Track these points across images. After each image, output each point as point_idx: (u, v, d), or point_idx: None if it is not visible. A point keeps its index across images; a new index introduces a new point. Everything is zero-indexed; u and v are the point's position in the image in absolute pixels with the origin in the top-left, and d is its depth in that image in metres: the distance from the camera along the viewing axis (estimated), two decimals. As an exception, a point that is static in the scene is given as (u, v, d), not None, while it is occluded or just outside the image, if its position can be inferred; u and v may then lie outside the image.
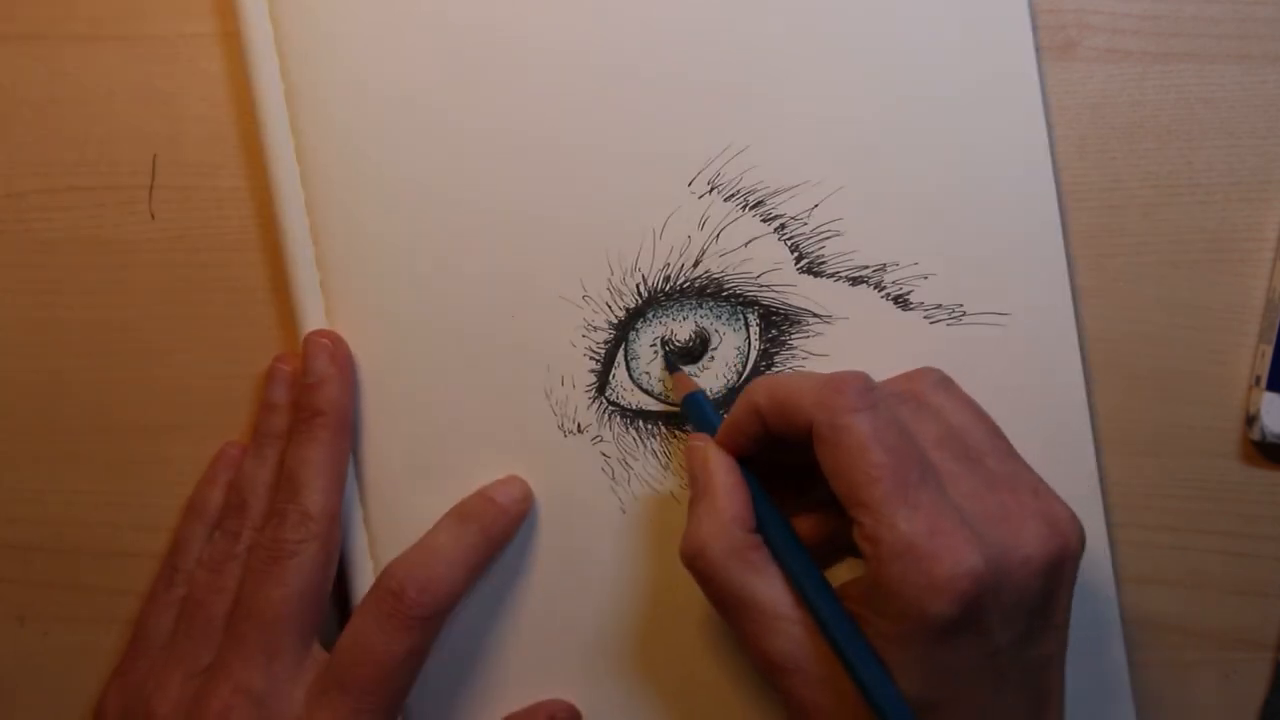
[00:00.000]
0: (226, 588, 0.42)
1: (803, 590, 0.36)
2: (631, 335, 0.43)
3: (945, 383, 0.38)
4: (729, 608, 0.36)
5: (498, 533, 0.42)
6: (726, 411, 0.43)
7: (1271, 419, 0.42)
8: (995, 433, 0.37)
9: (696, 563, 0.37)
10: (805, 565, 0.36)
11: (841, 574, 0.40)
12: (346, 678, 0.40)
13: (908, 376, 0.39)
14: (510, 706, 0.43)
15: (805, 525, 0.39)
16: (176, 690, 0.41)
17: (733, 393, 0.43)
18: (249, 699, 0.40)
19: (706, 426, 0.40)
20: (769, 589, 0.36)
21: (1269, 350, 0.42)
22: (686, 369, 0.43)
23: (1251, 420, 0.42)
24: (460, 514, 0.42)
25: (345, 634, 0.40)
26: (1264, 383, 0.42)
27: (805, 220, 0.42)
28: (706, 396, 0.41)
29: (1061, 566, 0.35)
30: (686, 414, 0.41)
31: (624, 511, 0.43)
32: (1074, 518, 0.36)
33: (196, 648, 0.41)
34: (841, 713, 0.34)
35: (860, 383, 0.35)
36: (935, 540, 0.33)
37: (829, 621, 0.35)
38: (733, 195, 0.43)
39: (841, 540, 0.39)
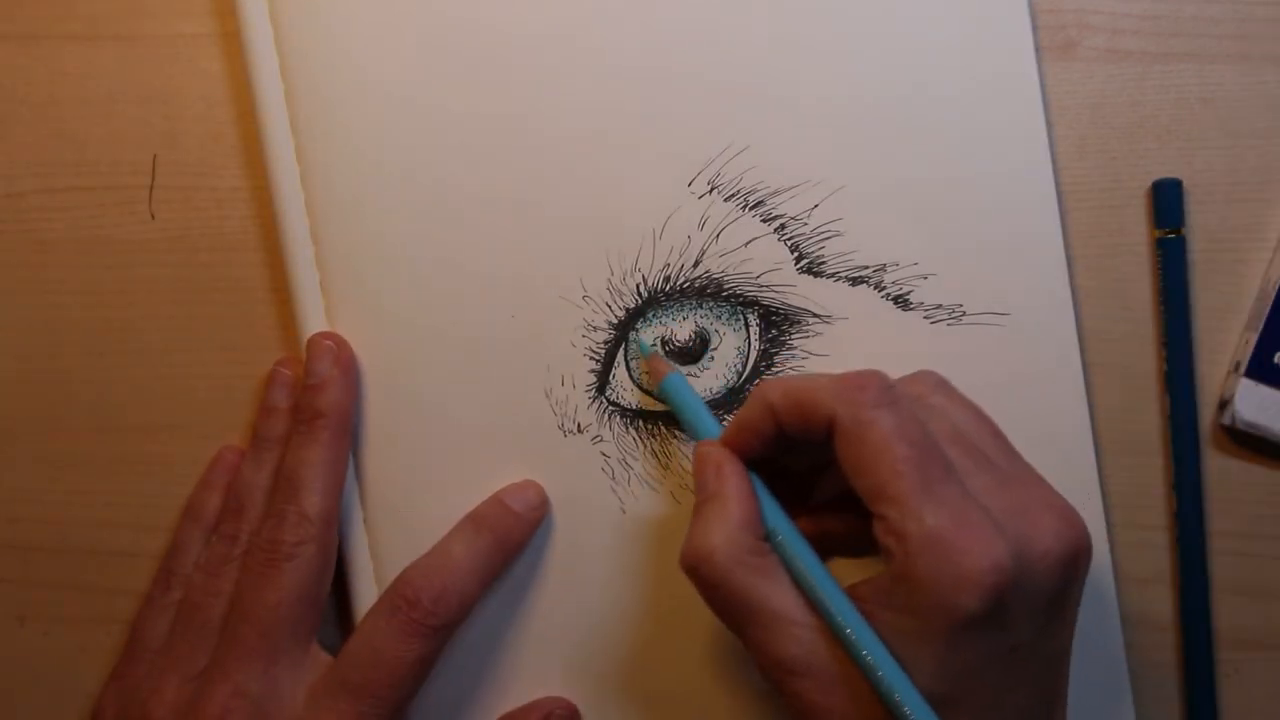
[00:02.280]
0: (223, 591, 0.42)
1: (815, 593, 0.35)
2: (631, 335, 0.43)
3: (944, 385, 0.38)
4: (736, 614, 0.36)
5: (513, 542, 0.42)
6: (727, 413, 0.43)
7: (1245, 405, 0.42)
8: (997, 433, 0.38)
9: (702, 568, 0.36)
10: (818, 568, 0.36)
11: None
12: (355, 681, 0.40)
13: (908, 379, 0.38)
14: (509, 705, 0.43)
15: (808, 528, 0.39)
16: (173, 693, 0.41)
17: (732, 393, 0.43)
18: (247, 701, 0.40)
19: (689, 411, 0.40)
20: (781, 594, 0.36)
21: (1253, 338, 0.42)
22: (687, 369, 0.43)
23: (1224, 405, 0.42)
24: (476, 521, 0.42)
25: (355, 637, 0.40)
26: (1243, 368, 0.42)
27: (805, 220, 0.42)
28: (687, 381, 0.41)
29: (1077, 560, 0.35)
30: (666, 399, 0.41)
31: (624, 511, 0.43)
32: (1079, 515, 0.36)
33: (193, 651, 0.41)
34: (855, 715, 0.34)
35: (879, 379, 0.35)
36: (962, 533, 0.33)
37: (846, 622, 0.34)
38: (733, 195, 0.43)
39: (843, 543, 0.39)
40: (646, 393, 0.43)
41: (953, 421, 0.37)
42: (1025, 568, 0.33)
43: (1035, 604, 0.34)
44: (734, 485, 0.37)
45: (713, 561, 0.36)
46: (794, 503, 0.39)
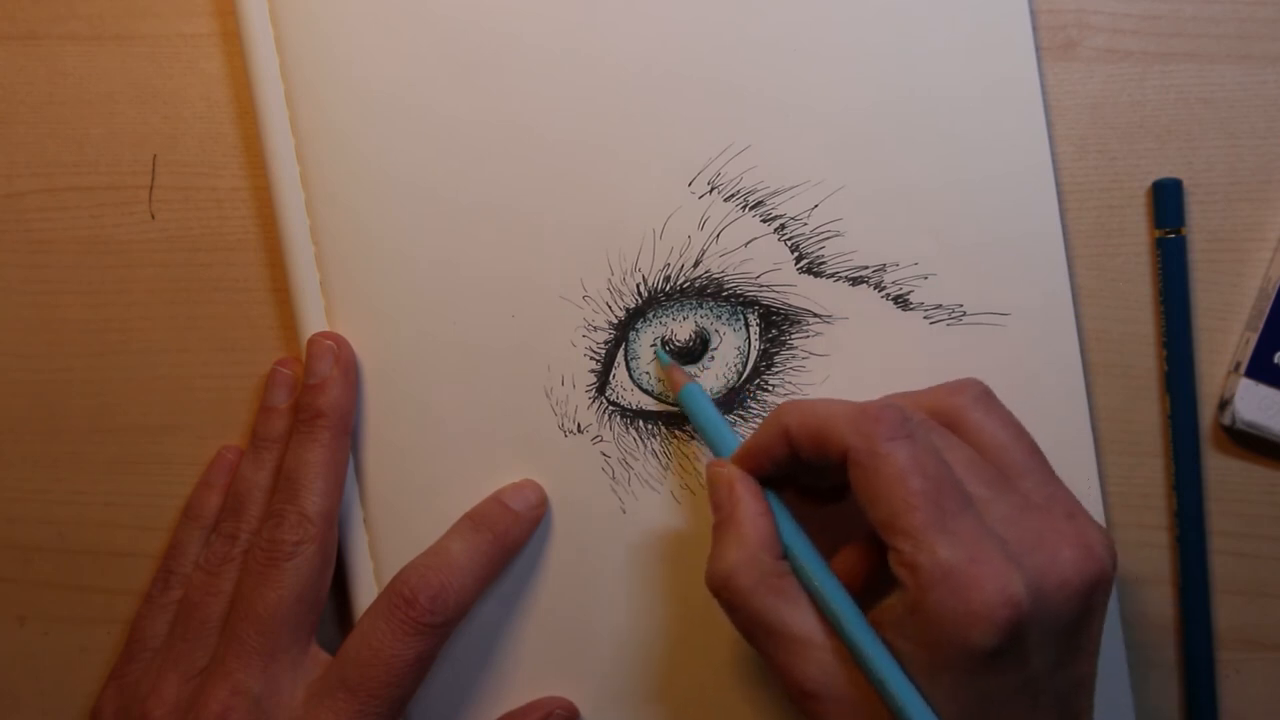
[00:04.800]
0: (223, 590, 0.42)
1: (834, 617, 0.35)
2: (632, 335, 0.43)
3: (986, 397, 0.38)
4: (758, 636, 0.36)
5: (512, 541, 0.42)
6: (727, 413, 0.43)
7: (1244, 404, 0.42)
8: (1033, 452, 0.37)
9: (723, 592, 0.36)
10: (836, 591, 0.36)
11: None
12: (353, 679, 0.40)
13: (949, 389, 0.38)
14: (508, 704, 0.43)
15: (841, 547, 0.39)
16: (173, 692, 0.41)
17: (733, 393, 0.43)
18: (247, 700, 0.40)
19: (708, 423, 0.40)
20: (799, 616, 0.35)
21: (1253, 337, 0.42)
22: (687, 369, 0.43)
23: (1224, 405, 0.42)
24: (474, 520, 0.42)
25: (354, 636, 0.40)
26: (1243, 368, 0.42)
27: (805, 220, 0.42)
28: (704, 390, 0.41)
29: (1096, 591, 0.35)
30: (683, 410, 0.41)
31: (624, 511, 0.43)
32: (1109, 541, 0.35)
33: (193, 650, 0.41)
34: None
35: (897, 412, 0.35)
36: (975, 568, 0.33)
37: (864, 648, 0.34)
38: (733, 195, 0.43)
39: (870, 569, 0.38)
40: (646, 393, 0.43)
41: (986, 441, 0.36)
42: (1042, 600, 0.33)
43: (1053, 635, 0.34)
44: (747, 505, 0.37)
45: (732, 584, 0.36)
46: (814, 520, 0.38)
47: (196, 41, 0.45)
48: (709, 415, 0.40)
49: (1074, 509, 0.36)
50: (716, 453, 0.40)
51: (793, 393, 0.43)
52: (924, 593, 0.33)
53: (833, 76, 0.42)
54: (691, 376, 0.42)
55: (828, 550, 0.37)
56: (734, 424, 0.43)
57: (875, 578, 0.37)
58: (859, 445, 0.35)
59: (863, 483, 0.35)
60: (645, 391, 0.43)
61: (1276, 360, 0.42)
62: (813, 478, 0.39)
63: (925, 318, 0.42)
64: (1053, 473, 0.37)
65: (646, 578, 0.43)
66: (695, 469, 0.43)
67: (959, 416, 0.37)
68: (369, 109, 0.43)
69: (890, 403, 0.36)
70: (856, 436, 0.35)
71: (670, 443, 0.43)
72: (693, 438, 0.43)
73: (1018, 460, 0.36)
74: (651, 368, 0.43)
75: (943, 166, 0.42)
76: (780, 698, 0.43)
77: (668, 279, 0.43)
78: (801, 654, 0.35)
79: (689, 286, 0.43)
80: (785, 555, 0.37)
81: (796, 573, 0.36)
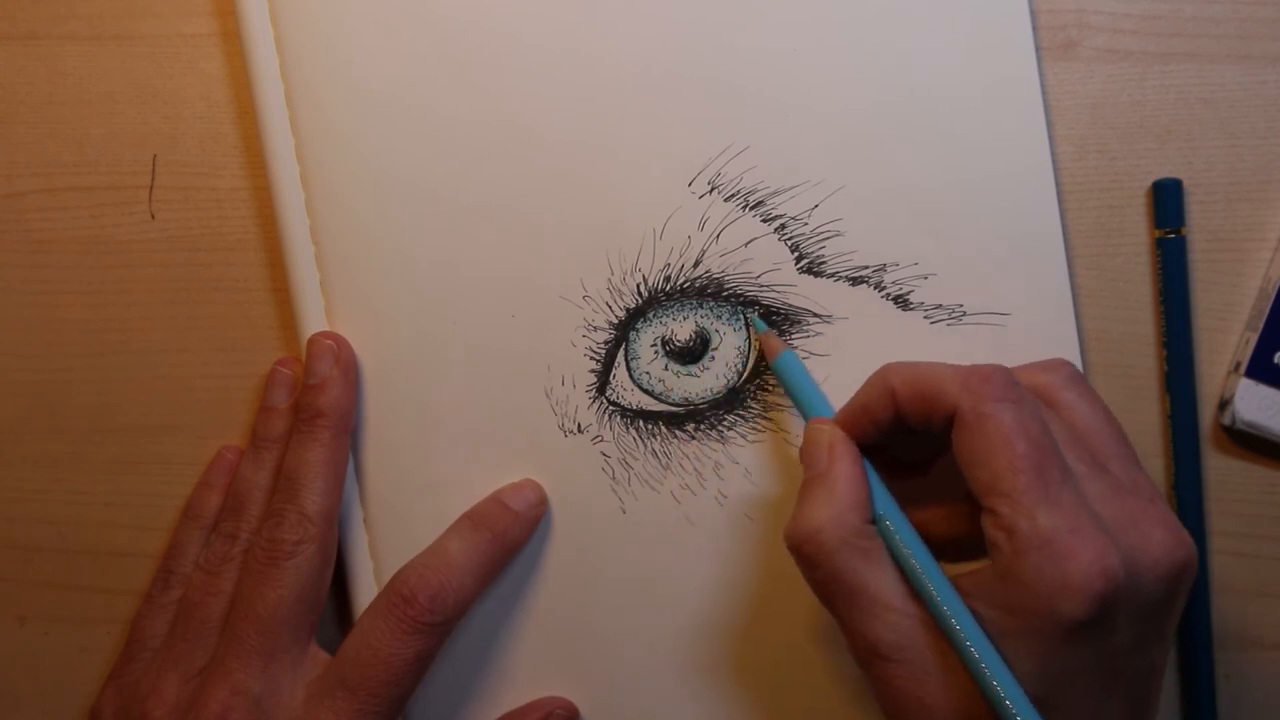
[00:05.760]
0: (223, 590, 0.42)
1: (921, 582, 0.35)
2: (632, 335, 0.43)
3: (1078, 379, 0.38)
4: (835, 594, 0.36)
5: (511, 540, 0.42)
6: (727, 412, 0.43)
7: (1244, 404, 0.42)
8: (1121, 438, 0.37)
9: (806, 546, 0.36)
10: (925, 558, 0.35)
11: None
12: (353, 678, 0.40)
13: (1042, 367, 0.38)
14: (508, 705, 0.43)
15: (920, 521, 0.39)
16: (173, 692, 0.41)
17: (733, 393, 0.43)
18: (247, 700, 0.40)
19: (801, 389, 0.40)
20: (882, 579, 0.35)
21: (1253, 337, 0.42)
22: (686, 368, 0.43)
23: (1224, 405, 0.42)
24: (474, 519, 0.42)
25: (353, 635, 0.40)
26: (1243, 368, 0.42)
27: (805, 220, 0.42)
28: (798, 358, 0.41)
29: (1183, 576, 0.35)
30: (778, 376, 0.41)
31: (624, 511, 0.43)
32: (1188, 532, 0.35)
33: (192, 650, 0.41)
34: (945, 707, 0.34)
35: (1006, 374, 0.35)
36: (1074, 538, 0.33)
37: (952, 613, 0.34)
38: (733, 195, 0.43)
39: (947, 546, 0.38)
40: (646, 392, 0.43)
41: (1077, 421, 0.37)
42: (1134, 577, 0.33)
43: (1139, 616, 0.34)
44: (845, 466, 0.37)
45: (818, 540, 0.35)
46: (900, 494, 0.38)
47: (196, 41, 0.45)
48: (803, 381, 0.40)
49: (1157, 497, 0.36)
50: (810, 416, 0.39)
51: (793, 393, 0.43)
52: (1020, 558, 0.33)
53: (832, 76, 0.42)
54: (789, 344, 0.42)
55: (914, 521, 0.37)
56: (733, 424, 0.43)
57: (959, 544, 0.37)
58: (966, 404, 0.34)
59: (967, 442, 0.34)
60: (645, 391, 0.43)
61: (1276, 360, 0.42)
62: (902, 450, 0.39)
63: (925, 318, 0.42)
64: (1138, 460, 0.37)
65: (646, 578, 0.43)
66: (696, 469, 0.43)
67: (1052, 394, 0.37)
68: (369, 109, 0.43)
69: (998, 366, 0.35)
70: (965, 395, 0.35)
71: (670, 443, 0.43)
72: (693, 438, 0.43)
73: (1108, 443, 0.37)
74: (652, 368, 0.43)
75: (943, 166, 0.42)
76: (782, 697, 0.43)
77: (668, 279, 0.43)
78: (880, 616, 0.35)
79: (689, 286, 0.43)
80: (874, 521, 0.36)
81: (885, 538, 0.36)
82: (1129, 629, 0.34)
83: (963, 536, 0.37)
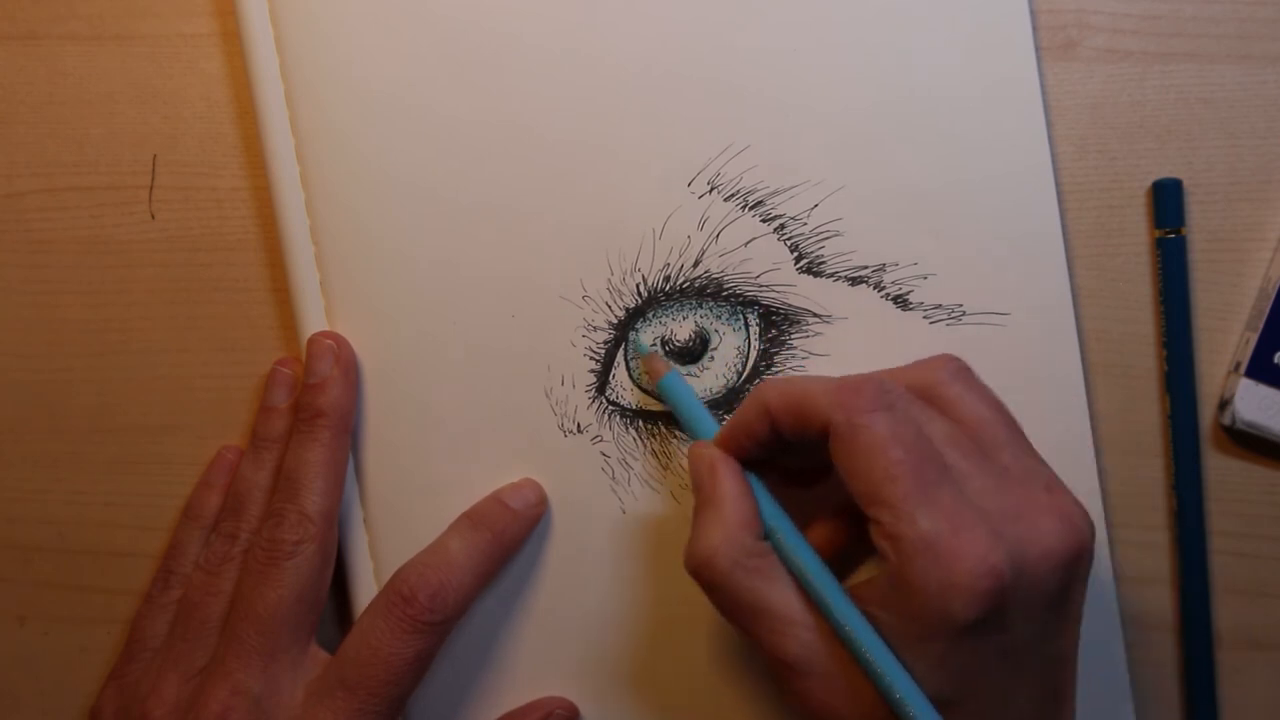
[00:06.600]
0: (223, 590, 0.42)
1: (816, 593, 0.35)
2: (632, 335, 0.43)
3: (963, 372, 0.38)
4: (739, 616, 0.36)
5: (510, 539, 0.42)
6: (726, 412, 0.43)
7: (1244, 405, 0.42)
8: (1011, 426, 0.37)
9: (703, 571, 0.36)
10: (817, 568, 0.36)
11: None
12: (352, 678, 0.40)
13: (925, 365, 0.38)
14: (509, 704, 0.43)
15: (825, 529, 0.39)
16: (173, 692, 0.41)
17: (732, 393, 0.43)
18: (247, 699, 0.40)
19: (687, 409, 0.40)
20: (780, 595, 0.36)
21: (1253, 337, 0.42)
22: (686, 369, 0.43)
23: (1224, 405, 0.42)
24: (473, 519, 0.42)
25: (353, 635, 0.40)
26: (1243, 368, 0.42)
27: (805, 220, 0.42)
28: (683, 378, 0.41)
29: (1078, 561, 0.35)
30: (664, 398, 0.41)
31: (624, 511, 0.43)
32: (1085, 513, 0.36)
33: (192, 649, 0.41)
34: (857, 714, 0.34)
35: (876, 384, 0.35)
36: (957, 538, 0.33)
37: (846, 622, 0.34)
38: (733, 195, 0.43)
39: (848, 547, 0.39)
40: (646, 392, 0.43)
41: (965, 415, 0.37)
42: (1023, 570, 0.33)
43: (1036, 606, 0.34)
44: (728, 486, 0.37)
45: (713, 564, 0.36)
46: (794, 503, 0.39)
47: (196, 41, 0.45)
48: (688, 402, 0.41)
49: (1052, 482, 0.36)
50: (697, 438, 0.40)
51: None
52: (906, 564, 0.33)
53: (832, 76, 0.42)
54: (670, 365, 0.42)
55: (807, 532, 0.38)
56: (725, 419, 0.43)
57: (852, 553, 0.38)
58: (839, 417, 0.35)
59: (843, 455, 0.35)
60: (645, 391, 0.43)
61: (1276, 360, 0.42)
62: (793, 460, 0.39)
63: (925, 317, 0.42)
64: (1030, 446, 0.37)
65: (646, 578, 0.43)
66: (695, 469, 0.43)
67: (937, 391, 0.37)
68: (369, 109, 0.43)
69: (869, 376, 0.36)
70: (836, 409, 0.35)
71: (670, 443, 0.43)
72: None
73: (996, 434, 0.36)
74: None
75: (943, 166, 0.42)
76: (778, 695, 0.43)
77: (667, 279, 0.43)
78: (784, 632, 0.35)
79: (689, 286, 0.43)
80: (766, 536, 0.37)
81: (778, 551, 0.36)
82: (1028, 621, 0.34)
83: (869, 541, 0.37)
